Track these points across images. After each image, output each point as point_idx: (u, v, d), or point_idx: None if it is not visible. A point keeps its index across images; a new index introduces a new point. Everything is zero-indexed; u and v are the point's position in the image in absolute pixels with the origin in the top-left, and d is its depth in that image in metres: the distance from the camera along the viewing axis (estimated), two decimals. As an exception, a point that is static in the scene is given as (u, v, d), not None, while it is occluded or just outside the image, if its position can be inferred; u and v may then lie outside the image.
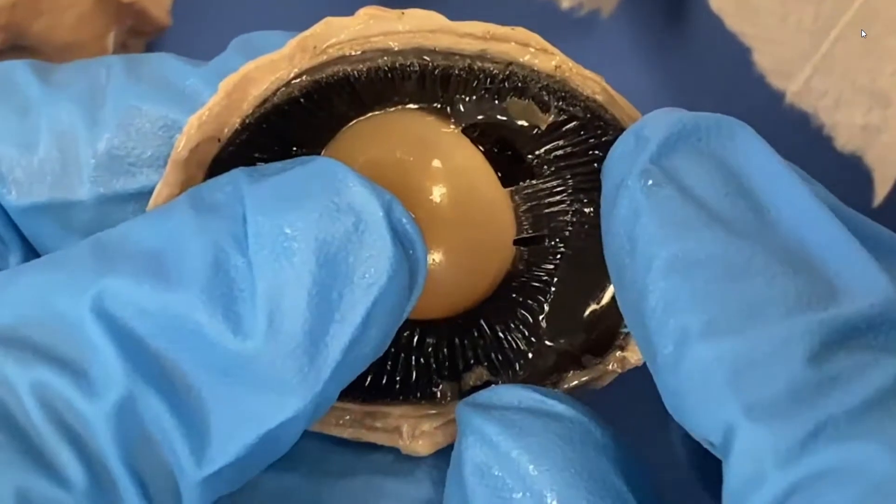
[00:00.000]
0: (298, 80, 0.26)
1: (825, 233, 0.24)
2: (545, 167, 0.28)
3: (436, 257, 0.27)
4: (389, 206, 0.24)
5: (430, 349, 0.29)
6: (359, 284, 0.23)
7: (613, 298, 0.28)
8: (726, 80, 0.46)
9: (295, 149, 0.27)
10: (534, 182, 0.28)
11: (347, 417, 0.28)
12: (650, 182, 0.24)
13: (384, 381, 0.28)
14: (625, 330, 0.28)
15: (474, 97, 0.27)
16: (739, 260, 0.23)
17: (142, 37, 0.47)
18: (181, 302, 0.23)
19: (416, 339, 0.29)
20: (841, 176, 0.43)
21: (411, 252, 0.24)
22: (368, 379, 0.28)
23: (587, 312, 0.29)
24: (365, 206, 0.23)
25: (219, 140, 0.26)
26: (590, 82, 0.27)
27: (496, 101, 0.27)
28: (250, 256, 0.23)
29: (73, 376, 0.23)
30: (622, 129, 0.27)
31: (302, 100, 0.26)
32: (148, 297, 0.23)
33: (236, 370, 0.23)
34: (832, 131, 0.42)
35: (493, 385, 0.28)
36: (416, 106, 0.27)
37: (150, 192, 0.26)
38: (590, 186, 0.28)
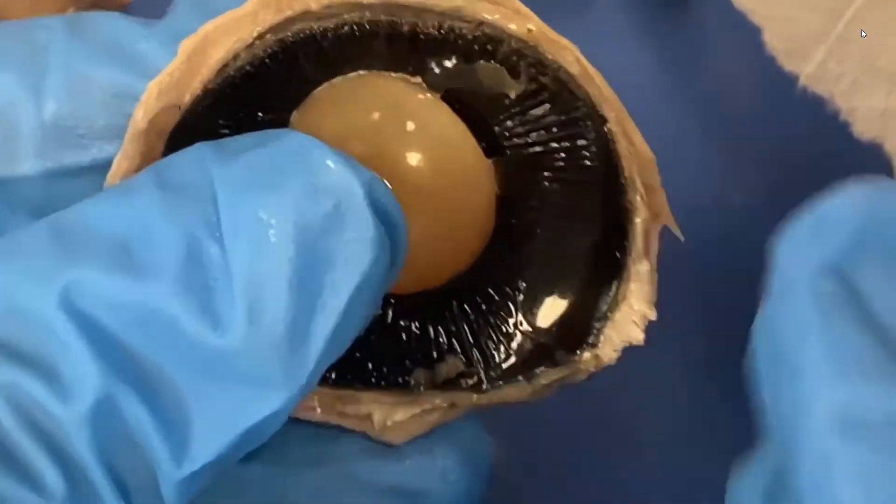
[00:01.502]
0: (262, 39, 0.25)
1: None
2: (517, 139, 0.27)
3: (412, 228, 0.26)
4: (370, 185, 0.23)
5: (402, 333, 0.28)
6: (341, 269, 0.22)
7: (586, 291, 0.28)
8: (734, 63, 0.44)
9: (261, 115, 0.26)
10: (509, 154, 0.27)
11: (317, 401, 0.27)
12: (826, 294, 0.20)
13: (355, 365, 0.28)
14: (597, 325, 0.27)
15: (444, 60, 0.26)
16: None
17: (103, 15, 0.44)
18: (154, 295, 0.22)
19: (388, 320, 0.28)
20: (859, 165, 0.41)
21: (393, 232, 0.23)
22: (338, 362, 0.27)
23: (561, 304, 0.28)
24: (345, 187, 0.23)
25: (179, 107, 0.25)
26: (564, 52, 0.26)
27: (465, 63, 0.26)
28: (225, 244, 0.22)
29: (45, 378, 0.22)
30: (594, 106, 0.26)
31: (267, 61, 0.25)
32: (119, 291, 0.22)
33: (216, 365, 0.22)
34: (849, 116, 0.40)
35: (467, 378, 0.28)
36: (388, 70, 0.26)
37: (104, 166, 0.26)
38: (563, 165, 0.27)
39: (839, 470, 0.19)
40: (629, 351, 0.29)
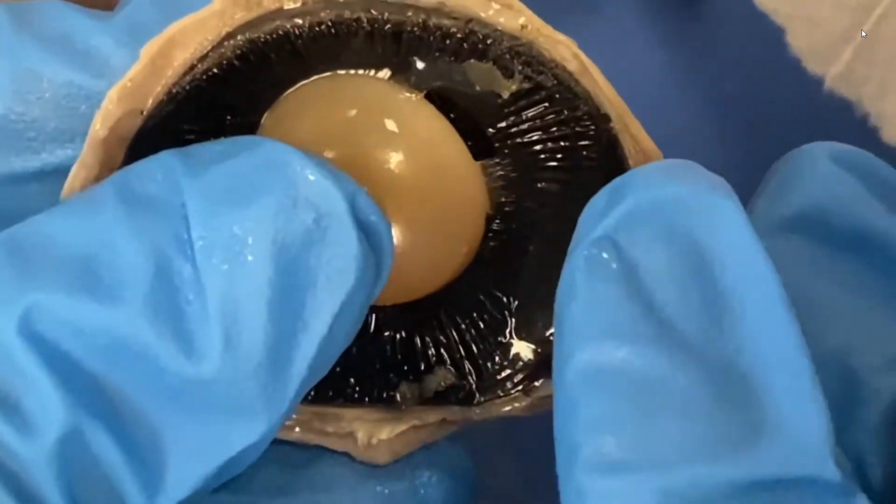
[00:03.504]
0: (232, 39, 0.24)
1: (781, 350, 0.21)
2: (511, 140, 0.26)
3: (396, 235, 0.25)
4: (353, 197, 0.22)
5: (387, 345, 0.27)
6: (323, 288, 0.21)
7: None
8: (755, 65, 0.43)
9: (229, 118, 0.25)
10: (497, 159, 0.26)
11: (295, 419, 0.26)
12: (596, 258, 0.21)
13: (336, 380, 0.27)
14: None
15: (430, 59, 0.25)
16: (668, 386, 0.20)
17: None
18: (122, 319, 0.21)
19: (371, 331, 0.27)
20: (888, 172, 0.40)
21: (377, 244, 0.22)
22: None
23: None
24: (326, 199, 0.21)
25: (142, 112, 0.24)
26: (560, 47, 0.25)
27: (454, 63, 0.25)
28: (197, 263, 0.21)
29: (4, 411, 0.21)
30: (594, 104, 0.25)
31: (237, 62, 0.24)
32: (83, 315, 0.21)
33: (192, 395, 0.21)
34: (878, 121, 0.39)
35: (457, 388, 0.27)
36: (366, 69, 0.25)
37: (56, 171, 0.25)
38: (563, 166, 0.26)
39: (582, 416, 0.20)
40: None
